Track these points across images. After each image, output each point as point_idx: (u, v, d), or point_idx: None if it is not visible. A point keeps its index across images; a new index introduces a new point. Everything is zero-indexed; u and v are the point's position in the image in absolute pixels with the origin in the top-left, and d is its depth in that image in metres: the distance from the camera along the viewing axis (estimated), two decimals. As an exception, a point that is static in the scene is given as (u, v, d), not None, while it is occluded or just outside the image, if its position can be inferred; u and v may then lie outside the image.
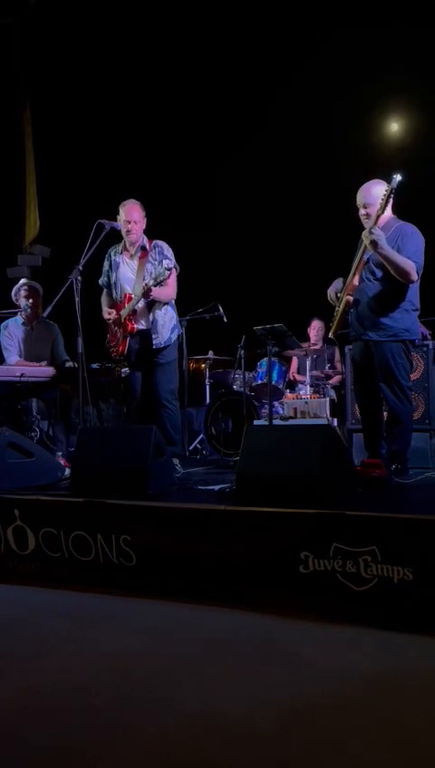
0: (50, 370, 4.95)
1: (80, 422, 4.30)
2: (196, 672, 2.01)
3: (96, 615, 2.58)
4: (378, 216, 3.60)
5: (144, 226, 4.49)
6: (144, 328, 4.42)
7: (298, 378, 6.68)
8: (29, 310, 5.20)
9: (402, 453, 3.76)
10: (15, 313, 5.31)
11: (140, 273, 4.40)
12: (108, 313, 4.53)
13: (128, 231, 4.42)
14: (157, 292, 4.30)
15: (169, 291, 4.40)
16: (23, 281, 5.44)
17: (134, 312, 4.39)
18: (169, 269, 4.23)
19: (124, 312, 4.40)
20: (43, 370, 4.94)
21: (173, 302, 4.51)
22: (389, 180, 3.53)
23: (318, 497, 2.57)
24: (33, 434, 4.97)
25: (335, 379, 6.41)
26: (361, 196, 3.74)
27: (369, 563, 2.32)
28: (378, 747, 1.56)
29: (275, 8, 7.86)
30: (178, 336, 4.57)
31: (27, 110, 8.90)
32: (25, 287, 5.28)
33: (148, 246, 4.42)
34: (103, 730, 1.67)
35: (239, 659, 2.10)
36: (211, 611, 2.51)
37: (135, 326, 4.40)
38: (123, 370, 4.76)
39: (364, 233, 3.60)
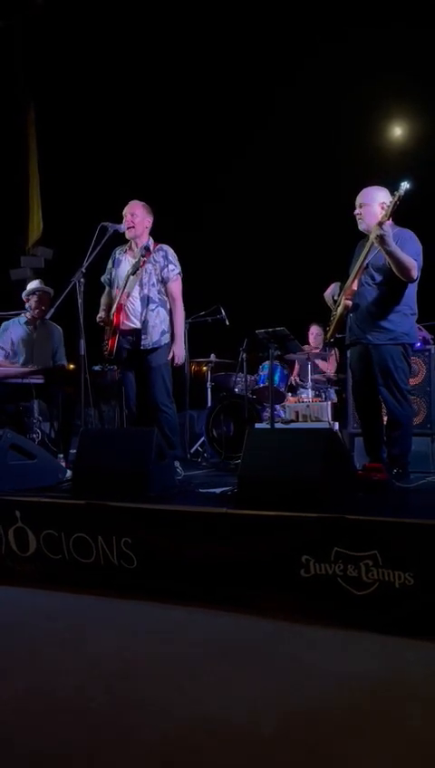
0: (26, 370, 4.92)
1: (81, 424, 4.29)
2: (196, 675, 2.01)
3: (96, 617, 2.58)
4: (381, 224, 3.60)
5: (148, 226, 4.47)
6: (136, 327, 4.37)
7: (297, 379, 6.69)
8: (35, 312, 5.19)
9: (403, 457, 3.76)
10: (19, 314, 5.30)
11: (139, 273, 4.39)
12: (101, 311, 4.51)
13: (127, 226, 4.39)
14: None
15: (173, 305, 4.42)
16: (36, 285, 5.31)
17: (124, 309, 4.36)
18: (145, 255, 4.31)
19: (115, 301, 4.39)
20: (18, 371, 4.90)
21: (168, 305, 4.47)
22: (395, 187, 3.54)
23: (319, 501, 2.57)
24: (34, 435, 4.97)
25: (331, 370, 6.49)
26: (359, 197, 3.79)
27: (370, 568, 2.32)
28: (379, 752, 1.55)
29: (275, 8, 7.89)
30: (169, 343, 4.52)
31: (31, 111, 8.92)
32: (38, 293, 5.22)
33: (152, 248, 4.41)
34: (102, 732, 1.67)
35: (240, 662, 2.09)
36: (212, 614, 2.50)
37: (124, 321, 4.35)
38: None
39: (373, 228, 3.60)
